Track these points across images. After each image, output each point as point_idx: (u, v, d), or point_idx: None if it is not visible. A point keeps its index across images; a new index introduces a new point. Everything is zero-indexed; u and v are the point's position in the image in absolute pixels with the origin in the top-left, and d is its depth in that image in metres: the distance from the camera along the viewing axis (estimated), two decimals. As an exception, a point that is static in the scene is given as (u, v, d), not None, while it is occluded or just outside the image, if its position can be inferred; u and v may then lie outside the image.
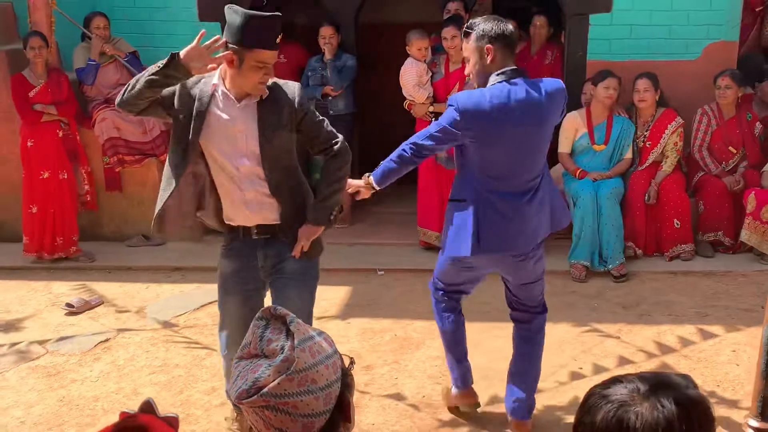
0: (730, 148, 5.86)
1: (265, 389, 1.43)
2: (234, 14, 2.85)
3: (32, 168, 5.92)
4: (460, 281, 3.57)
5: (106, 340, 4.68)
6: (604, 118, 5.70)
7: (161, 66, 2.82)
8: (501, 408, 3.80)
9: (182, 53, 2.82)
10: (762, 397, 3.08)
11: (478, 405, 3.75)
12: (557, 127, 5.91)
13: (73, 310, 5.07)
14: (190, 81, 2.98)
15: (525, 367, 3.53)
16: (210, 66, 2.85)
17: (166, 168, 3.11)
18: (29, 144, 5.90)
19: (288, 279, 3.18)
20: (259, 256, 3.20)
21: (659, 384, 1.35)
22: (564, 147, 5.82)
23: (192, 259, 6.03)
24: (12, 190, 6.16)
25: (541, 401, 3.85)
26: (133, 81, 2.92)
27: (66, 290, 5.48)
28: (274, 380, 1.43)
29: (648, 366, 4.18)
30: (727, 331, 4.58)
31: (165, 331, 4.81)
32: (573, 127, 5.77)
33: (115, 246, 6.32)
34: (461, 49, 5.61)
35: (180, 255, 6.13)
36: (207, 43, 2.82)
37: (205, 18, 6.57)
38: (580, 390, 3.90)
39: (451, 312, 3.64)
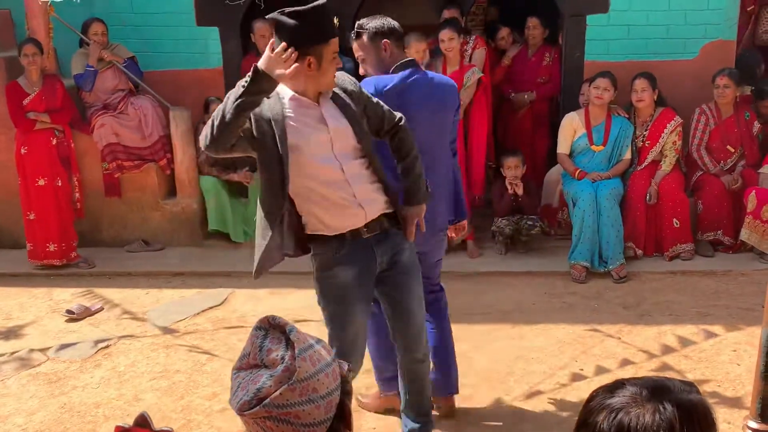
0: (729, 147, 5.86)
1: (267, 400, 1.42)
2: (295, 16, 2.70)
3: (27, 175, 5.93)
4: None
5: (107, 347, 4.68)
6: (603, 119, 5.70)
7: (246, 84, 2.61)
8: (503, 410, 3.81)
9: (261, 64, 2.62)
10: (761, 398, 3.07)
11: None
12: (556, 128, 6.01)
13: (73, 317, 5.07)
14: (258, 109, 2.75)
15: (443, 344, 3.68)
16: (288, 72, 2.65)
17: (259, 216, 2.95)
18: (23, 151, 5.91)
19: (407, 270, 3.13)
20: (377, 253, 3.04)
21: (661, 388, 1.36)
22: (563, 147, 5.83)
23: (192, 265, 6.04)
24: (11, 197, 6.17)
25: (542, 402, 3.86)
26: (214, 118, 2.70)
27: (66, 297, 5.49)
28: (276, 390, 1.43)
29: (649, 366, 4.18)
30: (728, 330, 4.58)
31: (165, 336, 4.81)
32: (571, 128, 5.78)
33: (115, 252, 6.32)
34: (459, 51, 5.70)
35: (180, 260, 6.13)
36: (278, 50, 2.64)
37: (203, 23, 6.60)
38: (581, 391, 3.90)
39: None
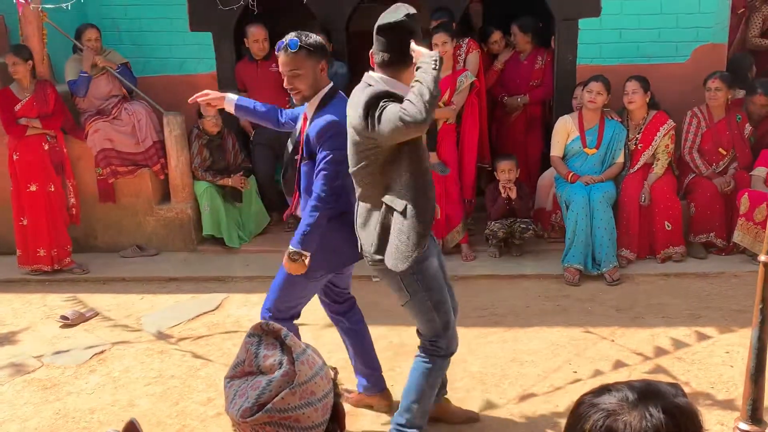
0: (721, 149, 5.89)
1: (269, 405, 1.43)
2: (415, 17, 2.97)
3: (19, 181, 5.93)
4: (303, 297, 3.59)
5: (102, 352, 4.68)
6: (596, 122, 5.73)
7: (436, 65, 2.81)
8: (497, 413, 3.82)
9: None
10: (752, 400, 3.09)
11: None
12: (549, 132, 6.03)
13: (67, 323, 5.07)
14: None
15: (364, 347, 3.83)
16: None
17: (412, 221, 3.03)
18: (15, 157, 5.92)
19: (440, 253, 3.50)
20: (437, 243, 3.46)
21: (648, 392, 1.37)
22: (556, 150, 5.85)
23: (187, 269, 6.04)
24: (4, 203, 6.16)
25: (536, 405, 3.87)
26: (423, 92, 2.76)
27: (60, 302, 5.48)
28: (276, 395, 1.43)
29: (642, 368, 4.20)
30: (721, 332, 4.60)
31: (160, 342, 4.81)
32: (565, 131, 5.80)
33: (110, 257, 6.32)
34: (452, 55, 5.72)
35: (174, 265, 6.13)
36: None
37: (196, 28, 6.61)
38: (575, 393, 3.89)
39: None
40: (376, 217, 3.12)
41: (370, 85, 2.99)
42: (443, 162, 5.81)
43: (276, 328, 1.52)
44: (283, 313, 3.53)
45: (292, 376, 1.44)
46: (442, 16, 6.13)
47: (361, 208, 3.23)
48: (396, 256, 3.07)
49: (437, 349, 3.33)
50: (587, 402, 1.40)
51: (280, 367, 1.46)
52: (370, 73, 3.07)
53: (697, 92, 5.96)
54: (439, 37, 5.61)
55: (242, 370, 1.50)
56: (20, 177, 5.93)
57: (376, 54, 3.04)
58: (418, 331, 3.42)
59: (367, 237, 3.21)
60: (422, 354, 3.40)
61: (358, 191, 3.21)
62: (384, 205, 3.09)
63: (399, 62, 3.01)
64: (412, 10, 2.97)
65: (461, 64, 6.03)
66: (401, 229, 3.04)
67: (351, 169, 3.15)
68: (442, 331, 3.31)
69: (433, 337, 3.33)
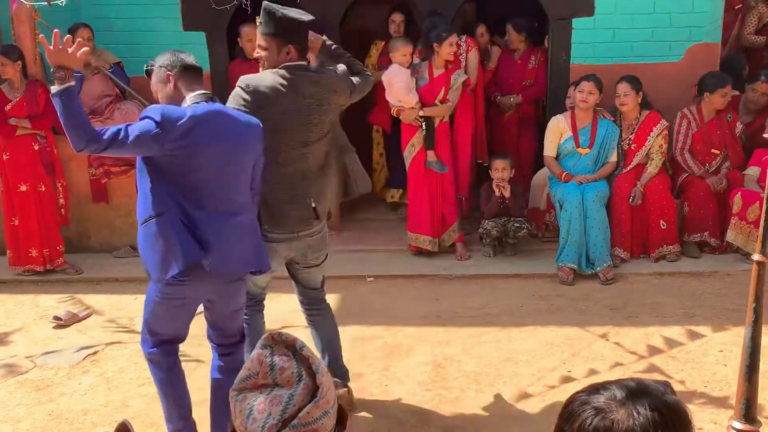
0: (713, 150, 5.91)
1: (294, 420, 1.42)
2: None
3: (9, 181, 5.91)
4: (176, 324, 3.37)
5: (95, 353, 4.67)
6: (589, 122, 5.73)
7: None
8: (492, 413, 3.82)
9: None
10: (745, 399, 3.10)
11: None
12: (542, 131, 6.04)
13: (60, 323, 5.05)
14: None
15: (220, 408, 3.44)
16: None
17: None
18: (5, 157, 5.89)
19: None
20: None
21: (637, 391, 1.38)
22: (549, 150, 5.85)
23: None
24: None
25: (531, 405, 3.87)
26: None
27: (53, 303, 5.46)
28: (300, 409, 1.42)
29: (637, 367, 4.21)
30: (714, 331, 4.61)
31: (154, 342, 4.78)
32: (558, 131, 5.81)
33: (103, 257, 6.30)
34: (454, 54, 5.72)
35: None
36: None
37: (190, 28, 6.58)
38: (569, 393, 3.89)
39: (171, 370, 3.41)
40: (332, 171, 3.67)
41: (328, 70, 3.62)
42: (440, 160, 5.82)
43: (290, 339, 1.50)
44: (157, 338, 3.35)
45: (313, 389, 1.44)
46: (434, 22, 6.01)
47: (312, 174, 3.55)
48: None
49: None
50: (577, 401, 1.41)
51: (299, 380, 1.44)
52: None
53: (691, 92, 5.99)
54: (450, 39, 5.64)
55: (255, 383, 1.48)
56: (10, 177, 5.90)
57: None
58: (318, 288, 3.84)
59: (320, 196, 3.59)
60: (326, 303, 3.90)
61: (311, 163, 3.53)
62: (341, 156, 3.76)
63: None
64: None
65: (463, 62, 6.04)
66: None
67: (314, 143, 3.51)
68: None
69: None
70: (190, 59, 3.28)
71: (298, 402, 1.43)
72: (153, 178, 3.11)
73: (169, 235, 3.05)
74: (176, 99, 3.21)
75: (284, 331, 1.62)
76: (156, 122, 2.98)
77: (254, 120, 3.27)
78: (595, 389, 1.41)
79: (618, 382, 1.41)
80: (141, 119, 3.05)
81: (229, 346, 3.51)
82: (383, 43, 6.49)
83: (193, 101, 3.17)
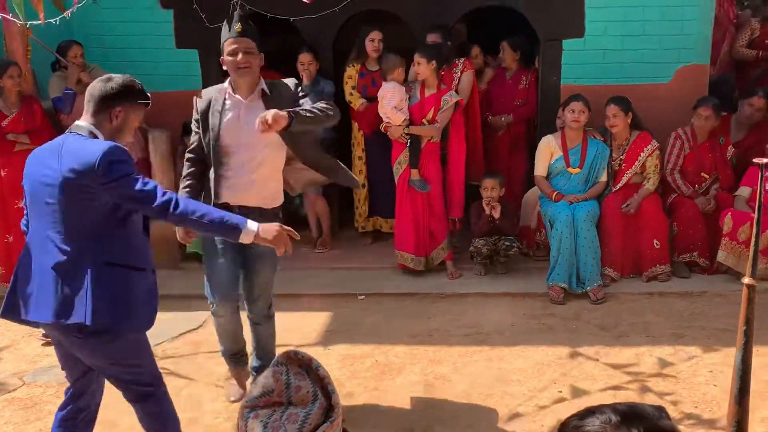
0: (703, 174, 5.95)
1: None
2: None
3: (6, 197, 5.88)
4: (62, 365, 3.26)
5: (84, 371, 4.62)
6: (579, 142, 5.77)
7: None
8: (483, 430, 3.81)
9: None
10: (736, 422, 3.10)
11: None
12: (533, 151, 6.06)
13: (49, 340, 5.00)
14: None
15: None
16: None
17: None
18: (2, 173, 5.87)
19: None
20: None
21: (631, 415, 1.38)
22: (540, 170, 5.89)
23: (170, 287, 5.95)
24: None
25: (522, 425, 3.87)
26: None
27: (42, 320, 5.41)
28: (315, 428, 1.43)
29: (627, 388, 4.21)
30: (704, 351, 4.62)
31: (143, 360, 4.75)
32: (548, 151, 5.84)
33: (93, 274, 6.25)
34: (437, 74, 5.75)
35: (158, 282, 6.06)
36: None
37: (182, 45, 6.60)
38: (560, 413, 3.91)
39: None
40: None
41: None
42: (424, 179, 5.84)
43: (307, 357, 1.50)
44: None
45: (327, 408, 1.44)
46: (434, 33, 6.13)
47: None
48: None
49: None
50: (571, 425, 1.41)
51: (314, 400, 1.44)
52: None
53: (680, 112, 6.04)
54: (415, 57, 5.72)
55: (268, 401, 1.48)
56: (7, 194, 5.88)
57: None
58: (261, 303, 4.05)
59: None
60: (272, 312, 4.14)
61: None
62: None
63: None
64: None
65: (456, 82, 6.07)
66: None
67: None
68: None
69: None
70: (97, 87, 3.20)
71: (313, 421, 1.43)
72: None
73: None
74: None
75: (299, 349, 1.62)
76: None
77: (98, 148, 3.02)
78: (590, 413, 1.41)
79: (612, 406, 1.41)
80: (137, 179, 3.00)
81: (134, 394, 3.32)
82: (360, 65, 6.50)
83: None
